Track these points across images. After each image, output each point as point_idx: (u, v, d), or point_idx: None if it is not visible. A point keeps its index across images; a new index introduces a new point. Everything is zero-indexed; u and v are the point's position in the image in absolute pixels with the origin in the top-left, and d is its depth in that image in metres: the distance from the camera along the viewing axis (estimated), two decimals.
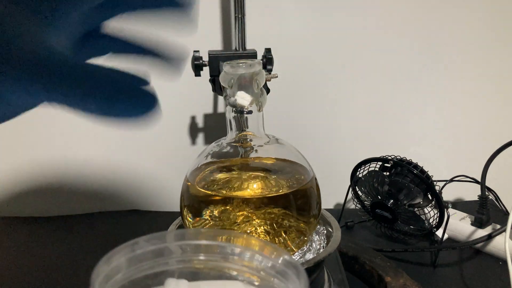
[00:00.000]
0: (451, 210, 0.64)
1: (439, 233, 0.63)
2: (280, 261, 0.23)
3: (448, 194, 0.78)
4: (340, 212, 0.72)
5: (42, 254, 0.66)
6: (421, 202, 0.61)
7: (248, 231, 0.42)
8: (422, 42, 0.75)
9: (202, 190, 0.43)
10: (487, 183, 0.62)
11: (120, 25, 0.21)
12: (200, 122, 0.76)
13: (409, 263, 0.60)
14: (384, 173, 0.64)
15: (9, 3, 0.17)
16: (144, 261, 0.23)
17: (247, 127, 0.44)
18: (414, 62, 0.76)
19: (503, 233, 0.57)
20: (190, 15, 0.21)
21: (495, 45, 0.75)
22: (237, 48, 0.61)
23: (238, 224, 0.42)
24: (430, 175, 0.62)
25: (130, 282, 0.23)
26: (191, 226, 0.44)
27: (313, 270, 0.43)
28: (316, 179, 0.46)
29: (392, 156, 0.64)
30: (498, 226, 0.61)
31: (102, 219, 0.77)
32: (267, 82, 0.54)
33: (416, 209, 0.62)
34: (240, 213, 0.41)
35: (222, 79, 0.43)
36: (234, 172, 0.45)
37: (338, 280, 0.47)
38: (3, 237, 0.72)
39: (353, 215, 0.72)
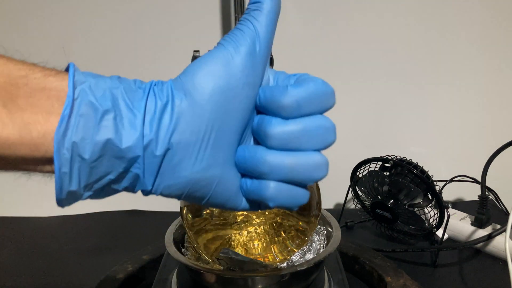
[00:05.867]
0: (451, 210, 0.64)
1: (439, 233, 0.63)
2: None
3: (448, 194, 0.78)
4: (340, 212, 0.72)
5: (40, 253, 0.66)
6: (421, 202, 0.61)
7: (248, 231, 0.42)
8: (423, 43, 0.75)
9: None
10: (487, 183, 0.62)
11: None
12: None
13: (409, 263, 0.60)
14: (384, 173, 0.64)
15: None
16: None
17: None
18: (415, 62, 0.76)
19: (503, 233, 0.57)
20: None
21: (496, 46, 0.75)
22: None
23: (237, 224, 0.42)
24: (430, 175, 0.62)
25: None
26: (191, 226, 0.44)
27: (313, 270, 0.43)
28: None
29: (392, 156, 0.64)
30: (498, 226, 0.61)
31: (102, 219, 0.77)
32: None
33: (416, 209, 0.62)
34: (240, 212, 0.41)
35: None
36: None
37: (338, 280, 0.47)
38: (5, 236, 0.72)
39: (353, 215, 0.72)
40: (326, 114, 0.25)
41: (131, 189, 0.24)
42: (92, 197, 0.23)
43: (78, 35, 0.74)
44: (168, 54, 0.74)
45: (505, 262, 0.57)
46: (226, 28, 0.72)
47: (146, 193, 0.25)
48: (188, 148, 0.23)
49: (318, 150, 0.25)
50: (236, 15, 0.61)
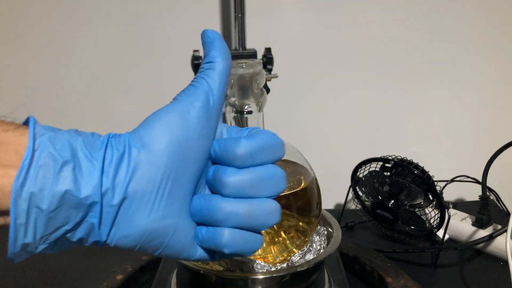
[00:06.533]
0: (452, 211, 0.64)
1: (440, 233, 0.62)
2: None
3: (449, 194, 0.78)
4: (340, 212, 0.72)
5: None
6: (422, 203, 0.61)
7: None
8: (423, 43, 0.75)
9: None
10: (488, 183, 0.61)
11: None
12: None
13: (410, 264, 0.60)
14: (385, 173, 0.64)
15: None
16: None
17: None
18: (415, 62, 0.76)
19: (504, 233, 0.56)
20: None
21: (496, 45, 0.75)
22: (237, 48, 0.61)
23: None
24: (431, 175, 0.62)
25: None
26: None
27: (314, 270, 0.43)
28: (316, 179, 0.46)
29: (393, 156, 0.64)
30: (499, 227, 0.61)
31: None
32: (267, 82, 0.54)
33: (417, 209, 0.62)
34: None
35: None
36: None
37: (339, 280, 0.47)
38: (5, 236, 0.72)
39: (354, 216, 0.72)
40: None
41: (85, 240, 0.24)
42: (46, 250, 0.23)
43: (84, 28, 0.74)
44: (168, 54, 0.74)
45: (506, 263, 0.57)
46: (226, 27, 0.72)
47: (100, 244, 0.25)
48: (144, 197, 0.23)
49: (271, 197, 0.26)
50: (236, 14, 0.61)
